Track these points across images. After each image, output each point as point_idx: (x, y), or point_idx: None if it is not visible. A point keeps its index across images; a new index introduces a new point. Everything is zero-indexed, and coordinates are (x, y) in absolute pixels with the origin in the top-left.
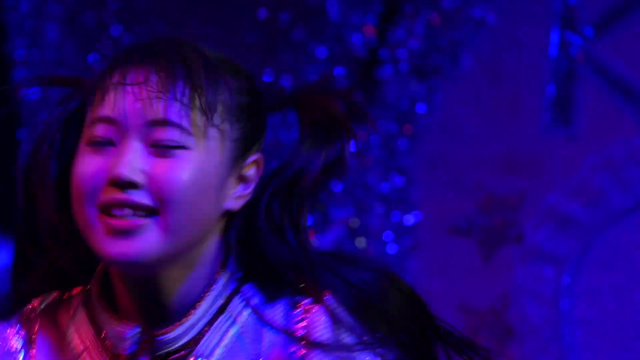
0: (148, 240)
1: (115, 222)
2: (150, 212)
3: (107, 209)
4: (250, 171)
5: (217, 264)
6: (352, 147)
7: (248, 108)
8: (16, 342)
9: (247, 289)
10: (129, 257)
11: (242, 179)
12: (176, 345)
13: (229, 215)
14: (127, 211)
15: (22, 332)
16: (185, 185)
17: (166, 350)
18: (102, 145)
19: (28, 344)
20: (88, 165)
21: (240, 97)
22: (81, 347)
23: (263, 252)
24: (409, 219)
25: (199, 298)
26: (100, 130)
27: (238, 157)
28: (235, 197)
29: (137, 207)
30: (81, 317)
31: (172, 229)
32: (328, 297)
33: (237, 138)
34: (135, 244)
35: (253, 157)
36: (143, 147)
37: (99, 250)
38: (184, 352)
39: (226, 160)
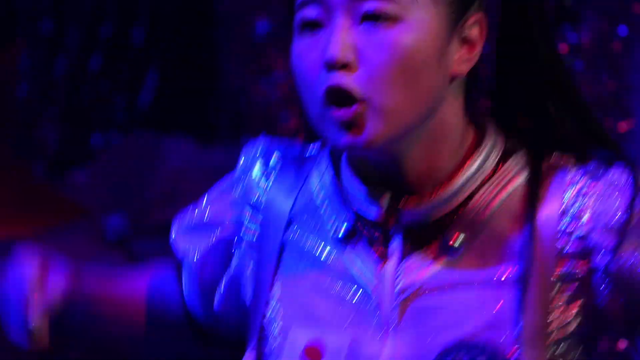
0: (373, 127)
1: (337, 114)
2: (362, 97)
3: (328, 98)
4: (473, 31)
5: (466, 137)
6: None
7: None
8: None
9: (517, 160)
10: (359, 146)
11: (466, 41)
12: (436, 217)
13: (458, 83)
14: (347, 99)
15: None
16: (402, 59)
17: (418, 223)
18: (311, 27)
19: (267, 175)
20: (301, 52)
21: None
22: (321, 195)
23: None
24: (622, 127)
25: (451, 172)
26: (307, 12)
27: (457, 19)
28: (461, 61)
29: (356, 92)
30: (328, 170)
31: (396, 109)
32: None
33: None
34: (362, 134)
35: (474, 17)
36: (352, 23)
37: (331, 141)
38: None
39: (443, 25)
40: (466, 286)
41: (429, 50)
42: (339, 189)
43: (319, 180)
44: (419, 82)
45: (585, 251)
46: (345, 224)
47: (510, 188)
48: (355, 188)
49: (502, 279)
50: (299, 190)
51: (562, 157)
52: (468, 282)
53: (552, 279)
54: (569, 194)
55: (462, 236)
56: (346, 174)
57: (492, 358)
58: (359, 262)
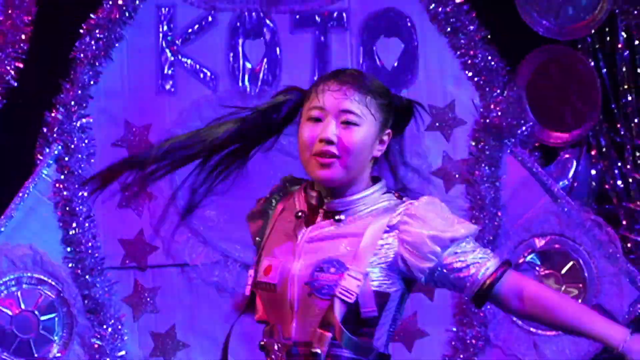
0: (336, 171)
1: (322, 160)
2: (338, 156)
3: (318, 154)
4: (385, 138)
5: (368, 183)
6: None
7: (386, 107)
8: (279, 206)
9: (390, 196)
10: (327, 177)
11: (381, 141)
12: (339, 208)
13: (373, 159)
14: (328, 155)
15: (281, 202)
16: (356, 144)
17: (333, 209)
18: (315, 121)
19: (281, 207)
20: (309, 131)
21: (382, 100)
22: (299, 206)
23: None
24: None
25: (357, 193)
26: (315, 113)
27: (380, 130)
28: (377, 150)
29: (332, 155)
30: (300, 194)
31: (348, 165)
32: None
33: (381, 122)
34: (331, 172)
35: (387, 131)
36: (336, 123)
37: (312, 174)
38: (341, 211)
39: (375, 132)
40: (339, 237)
41: (368, 142)
42: (303, 197)
43: (295, 198)
44: (361, 156)
45: (396, 227)
46: (299, 211)
47: (378, 206)
48: (309, 195)
49: (358, 232)
50: (287, 201)
51: (400, 196)
52: (341, 235)
53: (381, 233)
54: (400, 209)
55: (342, 215)
56: (308, 192)
57: (341, 265)
58: (300, 227)
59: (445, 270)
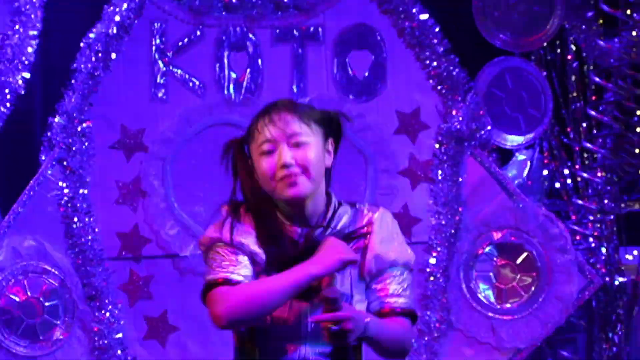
0: (303, 185)
1: (288, 180)
2: (301, 173)
3: (282, 179)
4: (330, 147)
5: (325, 194)
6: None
7: (321, 121)
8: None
9: (346, 206)
10: (297, 193)
11: (328, 152)
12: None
13: (326, 170)
14: (293, 176)
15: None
16: (312, 159)
17: (315, 229)
18: (268, 153)
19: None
20: (266, 164)
21: (316, 116)
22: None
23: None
24: None
25: (324, 209)
26: (266, 147)
27: (324, 142)
28: (328, 160)
29: (295, 174)
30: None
31: (312, 178)
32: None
33: (322, 134)
34: (298, 188)
35: (329, 141)
36: (288, 147)
37: (282, 196)
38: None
39: (322, 144)
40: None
41: (319, 154)
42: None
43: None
44: (318, 167)
45: (362, 233)
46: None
47: (342, 218)
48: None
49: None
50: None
51: (357, 206)
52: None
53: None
54: (373, 218)
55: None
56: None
57: (341, 295)
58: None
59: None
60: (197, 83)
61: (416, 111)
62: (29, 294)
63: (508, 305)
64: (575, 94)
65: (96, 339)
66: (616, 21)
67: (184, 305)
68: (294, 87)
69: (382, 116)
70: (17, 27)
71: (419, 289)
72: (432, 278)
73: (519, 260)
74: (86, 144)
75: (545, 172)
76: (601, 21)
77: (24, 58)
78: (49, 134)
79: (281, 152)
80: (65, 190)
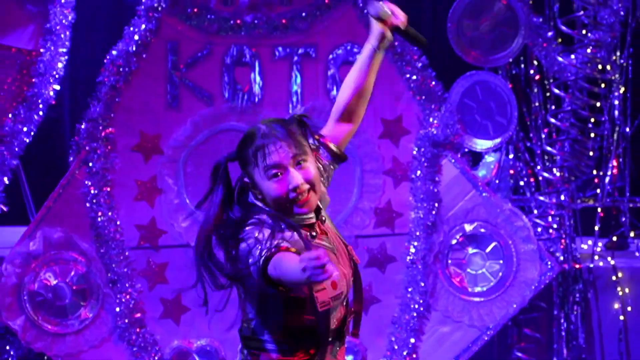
0: (312, 200)
1: (301, 202)
2: (309, 190)
3: (294, 199)
4: (320, 162)
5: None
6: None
7: (303, 133)
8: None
9: None
10: (309, 209)
11: (320, 163)
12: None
13: None
14: (305, 195)
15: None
16: (314, 174)
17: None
18: (276, 176)
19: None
20: (278, 186)
21: (298, 130)
22: (298, 231)
23: None
24: None
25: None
26: (274, 171)
27: (312, 151)
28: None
29: (305, 191)
30: (283, 223)
31: (317, 190)
32: None
33: (309, 145)
34: (309, 204)
35: (314, 154)
36: (294, 168)
37: (294, 211)
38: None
39: (312, 155)
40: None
41: (316, 165)
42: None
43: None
44: (319, 179)
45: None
46: (309, 233)
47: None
48: (292, 220)
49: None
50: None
51: None
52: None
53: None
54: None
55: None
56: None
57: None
58: (322, 240)
59: None
60: (207, 94)
61: (398, 118)
62: (59, 279)
63: (479, 289)
64: (537, 104)
65: (118, 318)
66: (573, 40)
67: (194, 288)
68: (293, 99)
69: (368, 123)
70: (48, 44)
71: (401, 275)
72: (412, 265)
73: (488, 250)
74: (109, 147)
75: (511, 172)
76: (560, 40)
77: (54, 72)
78: (76, 138)
79: (292, 175)
80: (91, 188)
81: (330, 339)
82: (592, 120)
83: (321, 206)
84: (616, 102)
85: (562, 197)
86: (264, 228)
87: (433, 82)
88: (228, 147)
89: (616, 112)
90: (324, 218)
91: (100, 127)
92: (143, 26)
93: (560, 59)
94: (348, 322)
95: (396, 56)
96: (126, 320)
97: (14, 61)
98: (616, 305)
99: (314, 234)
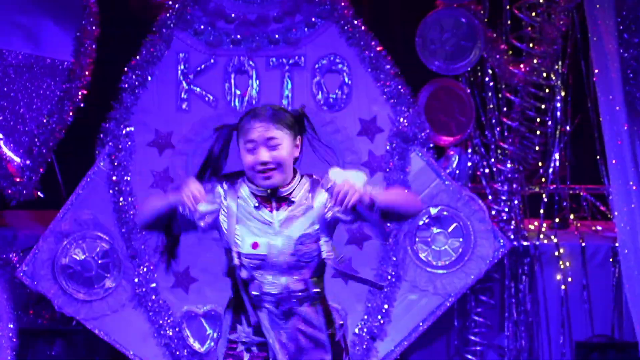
0: (275, 178)
1: (264, 175)
2: (274, 168)
3: (261, 172)
4: (298, 143)
5: (293, 174)
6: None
7: (291, 122)
8: (220, 191)
9: (306, 178)
10: (271, 184)
11: (296, 146)
12: (284, 194)
13: (295, 159)
14: (267, 171)
15: (227, 196)
16: (284, 156)
17: (280, 195)
18: (251, 150)
19: (225, 192)
20: (249, 158)
21: (286, 119)
22: (251, 200)
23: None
24: None
25: (290, 182)
26: (249, 145)
27: (293, 139)
28: (296, 152)
29: (271, 169)
30: (243, 190)
31: (283, 171)
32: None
33: (291, 134)
34: (272, 180)
35: (297, 137)
36: (265, 148)
37: (260, 184)
38: (287, 196)
39: (292, 142)
40: (301, 216)
41: (289, 151)
42: (247, 192)
43: (239, 192)
44: (288, 162)
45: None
46: (256, 202)
47: (305, 186)
48: (256, 191)
49: (309, 206)
50: (238, 193)
51: (314, 177)
52: (301, 214)
53: (323, 205)
54: (323, 186)
55: (292, 198)
56: (251, 188)
57: (315, 238)
58: (264, 213)
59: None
60: (211, 98)
61: (374, 118)
62: (87, 254)
63: (442, 263)
64: (491, 106)
65: (136, 287)
66: (522, 52)
67: (201, 262)
68: (284, 101)
69: (348, 122)
70: (78, 55)
71: (376, 251)
72: (385, 243)
73: (449, 229)
74: (129, 143)
75: (469, 164)
76: (510, 52)
77: (83, 79)
78: (101, 135)
79: (260, 152)
80: (114, 177)
81: (255, 298)
82: (538, 119)
83: (285, 192)
84: (558, 105)
85: (513, 185)
86: (224, 181)
87: (403, 88)
88: (231, 143)
89: (558, 113)
90: (286, 203)
91: (122, 126)
92: (157, 40)
93: (511, 67)
94: (297, 296)
95: (371, 65)
96: (143, 289)
97: (49, 70)
98: (558, 277)
99: (257, 204)
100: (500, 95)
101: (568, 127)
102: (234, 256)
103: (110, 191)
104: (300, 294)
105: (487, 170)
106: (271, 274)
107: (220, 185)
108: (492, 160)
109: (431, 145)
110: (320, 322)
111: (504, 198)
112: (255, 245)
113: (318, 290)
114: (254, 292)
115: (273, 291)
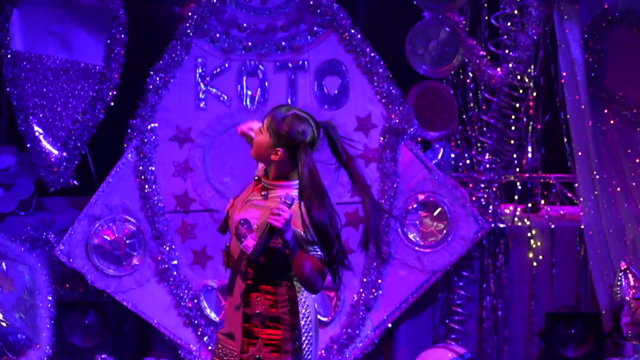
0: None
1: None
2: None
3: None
4: (280, 154)
5: (289, 178)
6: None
7: (285, 135)
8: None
9: (292, 194)
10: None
11: (279, 155)
12: (266, 186)
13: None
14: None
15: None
16: (259, 144)
17: (265, 186)
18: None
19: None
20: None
21: (285, 130)
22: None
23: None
24: None
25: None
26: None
27: (276, 149)
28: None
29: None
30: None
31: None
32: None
33: (279, 144)
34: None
35: (280, 149)
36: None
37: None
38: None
39: (274, 149)
40: (259, 207)
41: (264, 150)
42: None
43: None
44: (263, 151)
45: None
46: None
47: (280, 195)
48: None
49: (278, 202)
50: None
51: (292, 195)
52: (261, 206)
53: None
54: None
55: (265, 192)
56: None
57: (250, 227)
58: (248, 193)
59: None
60: (226, 97)
61: (369, 116)
62: (116, 235)
63: (428, 243)
64: (472, 105)
65: (160, 264)
66: (499, 57)
67: (216, 242)
68: (289, 100)
69: (346, 119)
70: (108, 60)
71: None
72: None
73: (435, 213)
74: (153, 137)
75: (452, 155)
76: (489, 57)
77: (112, 81)
78: (129, 130)
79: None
80: (140, 168)
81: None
82: (513, 117)
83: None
84: (531, 103)
85: (491, 174)
86: None
87: (394, 89)
88: (241, 138)
89: (531, 111)
90: (264, 193)
91: (147, 122)
92: (178, 47)
93: (489, 71)
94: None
95: (366, 69)
96: (165, 266)
97: (82, 73)
98: (530, 255)
99: (253, 187)
100: (479, 95)
101: (539, 124)
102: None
103: (137, 180)
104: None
105: (468, 162)
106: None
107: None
108: (473, 152)
109: (419, 139)
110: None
111: (482, 186)
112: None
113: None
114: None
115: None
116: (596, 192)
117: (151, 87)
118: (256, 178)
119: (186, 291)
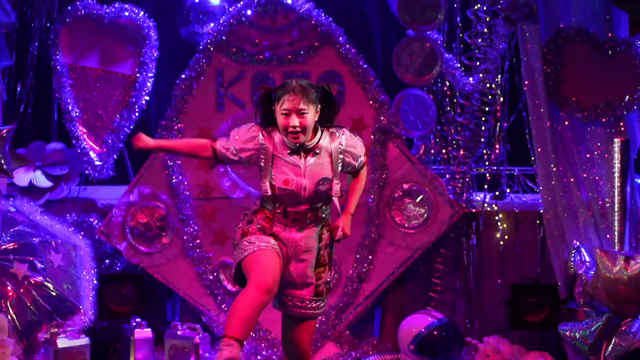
0: (302, 138)
1: (293, 136)
2: (301, 131)
3: (291, 133)
4: (318, 110)
5: (315, 131)
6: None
7: (315, 96)
8: (267, 143)
9: (326, 132)
10: (298, 142)
11: (317, 112)
12: (309, 146)
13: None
14: (296, 133)
15: (265, 140)
16: (308, 123)
17: (310, 148)
18: (286, 115)
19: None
20: (283, 121)
21: (313, 94)
22: (285, 147)
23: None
24: None
25: (313, 138)
26: (285, 112)
27: (316, 109)
28: (316, 117)
29: (298, 132)
30: (277, 138)
31: (307, 133)
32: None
33: (316, 104)
34: (299, 139)
35: (319, 107)
36: (295, 116)
37: (290, 141)
38: (312, 147)
39: (314, 111)
40: (322, 164)
41: (312, 118)
42: (281, 141)
43: (275, 140)
44: (312, 126)
45: (345, 150)
46: (290, 150)
47: (327, 138)
48: (288, 143)
49: (329, 158)
50: (273, 139)
51: (332, 128)
52: (322, 162)
53: (338, 154)
54: (339, 138)
55: (318, 151)
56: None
57: (329, 181)
58: (296, 159)
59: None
60: (241, 102)
61: (361, 118)
62: (148, 218)
63: (412, 225)
64: (448, 108)
65: (185, 243)
66: (471, 68)
67: (233, 224)
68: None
69: (342, 121)
70: (141, 71)
71: (363, 217)
72: (370, 209)
73: (417, 200)
74: (179, 136)
75: (432, 151)
76: (463, 68)
77: (145, 88)
78: (159, 130)
79: (293, 119)
80: (168, 162)
81: (281, 212)
82: (483, 118)
83: (310, 145)
84: (498, 107)
85: (464, 167)
86: (263, 128)
87: (382, 95)
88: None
89: (498, 114)
90: (311, 155)
91: (174, 123)
92: (201, 60)
93: (463, 80)
94: (308, 215)
95: (360, 79)
96: (190, 244)
97: (119, 82)
98: (497, 235)
99: (290, 151)
100: (455, 101)
101: (506, 124)
102: (268, 187)
103: (166, 171)
104: (311, 216)
105: (445, 156)
106: (294, 202)
107: (260, 130)
108: (449, 148)
109: (404, 137)
110: (315, 240)
111: (457, 177)
112: (286, 182)
113: (324, 215)
114: (278, 211)
115: (292, 214)
116: (553, 182)
117: (178, 93)
118: (290, 152)
119: (208, 266)
